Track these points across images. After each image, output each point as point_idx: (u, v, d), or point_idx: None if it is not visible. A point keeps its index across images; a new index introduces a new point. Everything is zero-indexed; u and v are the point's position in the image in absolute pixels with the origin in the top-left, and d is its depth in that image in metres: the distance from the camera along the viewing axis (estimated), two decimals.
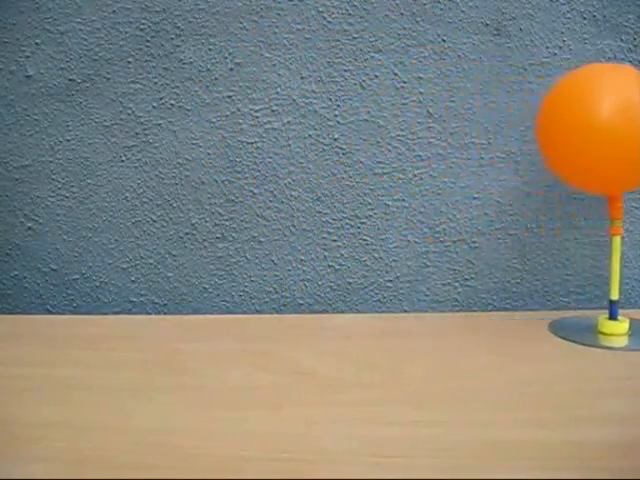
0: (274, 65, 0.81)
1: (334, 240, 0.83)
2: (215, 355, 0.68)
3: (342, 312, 0.84)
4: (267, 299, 0.84)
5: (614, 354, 0.67)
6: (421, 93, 0.81)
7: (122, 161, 0.83)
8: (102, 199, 0.84)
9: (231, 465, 0.47)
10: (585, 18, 0.80)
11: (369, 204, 0.83)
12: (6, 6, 0.81)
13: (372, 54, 0.81)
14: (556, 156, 0.69)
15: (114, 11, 0.81)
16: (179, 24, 0.81)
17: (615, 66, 0.70)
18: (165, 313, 0.84)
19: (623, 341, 0.71)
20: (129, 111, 0.82)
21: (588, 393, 0.57)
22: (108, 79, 0.82)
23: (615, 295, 0.73)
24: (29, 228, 0.84)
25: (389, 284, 0.84)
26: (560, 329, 0.74)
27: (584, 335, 0.72)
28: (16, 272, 0.85)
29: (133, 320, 0.81)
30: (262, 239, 0.83)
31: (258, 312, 0.84)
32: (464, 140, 0.82)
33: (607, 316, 0.73)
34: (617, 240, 0.72)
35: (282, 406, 0.56)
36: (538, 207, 0.82)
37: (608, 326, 0.72)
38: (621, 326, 0.72)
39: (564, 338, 0.71)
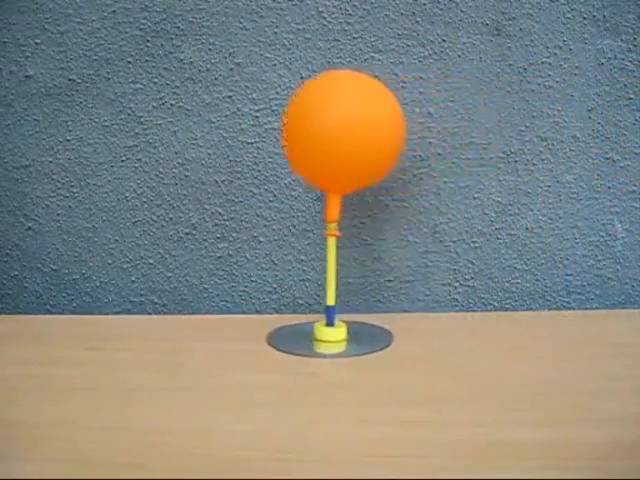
0: (274, 65, 0.81)
1: None
2: (215, 355, 0.68)
3: (342, 312, 0.84)
4: (267, 299, 0.84)
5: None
6: (421, 93, 0.81)
7: (122, 161, 0.83)
8: (102, 199, 0.84)
9: (231, 465, 0.47)
10: (585, 18, 0.80)
11: (369, 204, 0.83)
12: (6, 6, 0.81)
13: (372, 54, 0.81)
14: (294, 157, 0.70)
15: (114, 11, 0.81)
16: (179, 24, 0.81)
17: (347, 75, 0.72)
18: (165, 313, 0.84)
19: (341, 347, 0.70)
20: (129, 111, 0.82)
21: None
22: (108, 79, 0.82)
23: (331, 300, 0.71)
24: (29, 228, 0.84)
25: (389, 284, 0.84)
26: (276, 339, 0.71)
27: (301, 344, 0.70)
28: (16, 272, 0.85)
29: (133, 320, 0.81)
30: (262, 239, 0.83)
31: (258, 312, 0.84)
32: (464, 140, 0.82)
33: (324, 322, 0.71)
34: (332, 241, 0.71)
35: (282, 406, 0.56)
36: (538, 207, 0.83)
37: (324, 333, 0.70)
38: (338, 332, 0.70)
39: (279, 349, 0.68)
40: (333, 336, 0.71)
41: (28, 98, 0.82)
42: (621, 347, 0.68)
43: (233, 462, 0.48)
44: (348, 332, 0.71)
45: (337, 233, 0.71)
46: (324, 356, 0.68)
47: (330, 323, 0.71)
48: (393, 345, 0.69)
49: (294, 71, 0.81)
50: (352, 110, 0.67)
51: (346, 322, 0.72)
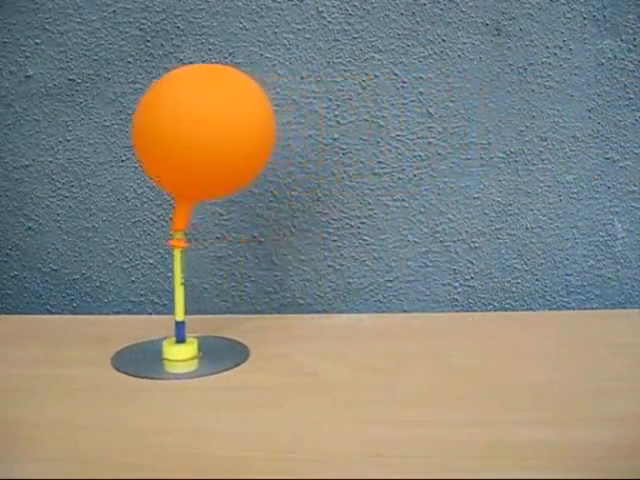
0: (274, 65, 0.81)
1: (334, 240, 0.83)
2: (215, 355, 0.67)
3: (342, 312, 0.84)
4: (267, 299, 0.84)
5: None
6: (421, 93, 0.81)
7: (122, 161, 0.83)
8: (102, 199, 0.84)
9: (231, 465, 0.47)
10: (585, 18, 0.80)
11: (369, 204, 0.83)
12: (6, 6, 0.81)
13: (372, 54, 0.81)
14: (143, 159, 0.64)
15: (114, 11, 0.81)
16: (179, 24, 0.81)
17: (201, 69, 0.66)
18: (165, 313, 0.84)
19: (192, 366, 0.64)
20: (129, 111, 0.82)
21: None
22: (108, 79, 0.82)
23: (180, 315, 0.66)
24: (29, 228, 0.84)
25: (389, 284, 0.84)
26: (122, 362, 0.65)
27: (149, 365, 0.64)
28: (16, 272, 0.85)
29: (133, 320, 0.81)
30: (262, 239, 0.83)
31: (258, 312, 0.84)
32: (464, 140, 0.82)
33: (174, 339, 0.66)
34: (177, 253, 0.65)
35: (282, 406, 0.56)
36: (538, 207, 0.83)
37: (173, 351, 0.65)
38: (188, 349, 0.65)
39: (125, 372, 0.63)
40: (182, 354, 0.65)
41: (28, 98, 0.82)
42: (621, 347, 0.68)
43: (233, 462, 0.48)
44: (200, 348, 0.67)
45: (183, 244, 0.65)
46: (173, 377, 0.63)
47: (180, 340, 0.66)
48: (250, 361, 0.66)
49: (294, 71, 0.81)
50: (203, 108, 0.60)
51: (199, 337, 0.68)
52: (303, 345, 0.70)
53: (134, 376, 0.62)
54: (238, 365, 0.64)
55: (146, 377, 0.62)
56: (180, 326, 0.66)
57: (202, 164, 0.60)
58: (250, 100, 0.63)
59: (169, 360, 0.65)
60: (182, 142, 0.60)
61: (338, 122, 0.82)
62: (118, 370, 0.63)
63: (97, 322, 0.79)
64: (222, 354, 0.67)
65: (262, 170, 0.66)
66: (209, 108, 0.60)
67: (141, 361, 0.65)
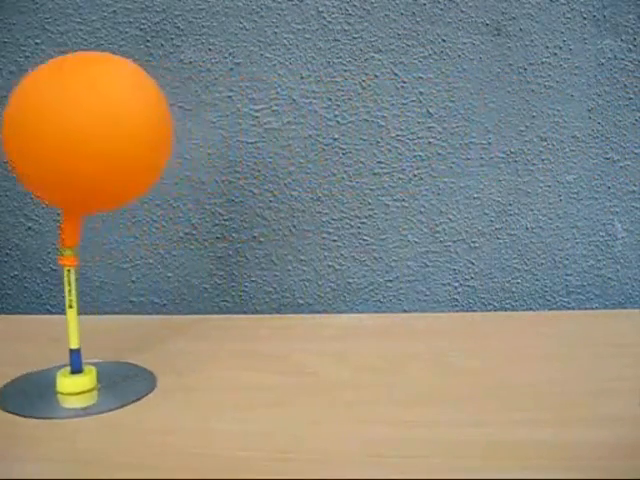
0: (274, 65, 0.81)
1: (334, 240, 0.83)
2: (215, 355, 0.68)
3: (342, 312, 0.84)
4: (267, 299, 0.84)
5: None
6: (421, 93, 0.81)
7: None
8: None
9: (231, 465, 0.47)
10: (585, 18, 0.80)
11: (369, 204, 0.83)
12: (6, 6, 0.81)
13: (372, 54, 0.81)
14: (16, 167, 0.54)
15: (114, 11, 0.81)
16: (179, 24, 0.81)
17: (94, 58, 0.57)
18: (165, 313, 0.84)
19: (90, 399, 0.56)
20: None
21: None
22: None
23: (75, 343, 0.57)
24: (29, 228, 0.84)
25: (389, 284, 0.84)
26: (10, 397, 0.57)
27: (40, 401, 0.56)
28: (16, 272, 0.85)
29: (133, 320, 0.81)
30: (262, 239, 0.83)
31: (258, 312, 0.84)
32: (464, 140, 0.82)
33: (69, 369, 0.58)
34: (70, 275, 0.57)
35: (282, 406, 0.56)
36: (538, 207, 0.83)
37: (66, 384, 0.57)
38: (84, 380, 0.57)
39: (10, 411, 0.55)
40: (78, 386, 0.57)
41: None
42: (621, 347, 0.68)
43: (233, 462, 0.48)
44: (99, 378, 0.59)
45: (73, 262, 0.57)
46: (68, 414, 0.54)
47: (76, 370, 0.58)
48: (157, 391, 0.59)
49: (294, 71, 0.81)
50: (84, 104, 0.51)
51: (97, 364, 0.60)
52: (303, 345, 0.70)
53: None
54: (139, 399, 0.57)
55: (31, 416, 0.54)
56: (75, 355, 0.58)
57: (79, 175, 0.52)
58: (142, 92, 0.56)
59: (64, 394, 0.57)
60: (57, 146, 0.51)
61: (338, 122, 0.82)
62: (5, 410, 0.55)
63: (97, 322, 0.79)
64: (123, 384, 0.60)
65: (158, 177, 0.58)
66: (89, 104, 0.51)
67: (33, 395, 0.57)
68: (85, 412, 0.55)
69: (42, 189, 0.54)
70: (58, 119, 0.51)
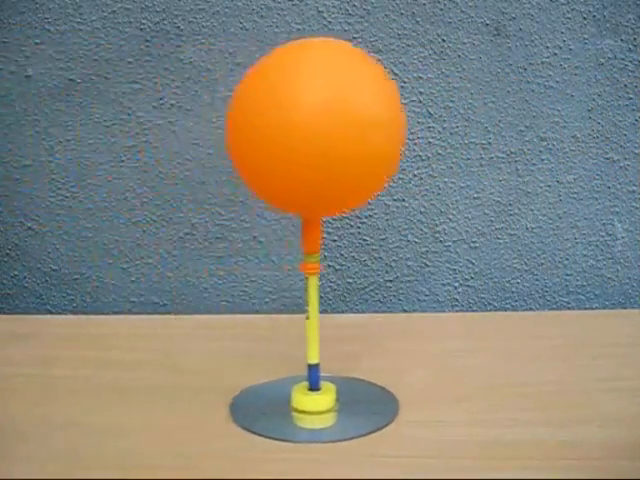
0: None
1: (334, 240, 0.83)
2: (215, 355, 0.68)
3: (342, 312, 0.84)
4: (267, 299, 0.84)
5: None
6: (421, 93, 0.81)
7: (122, 161, 0.83)
8: (102, 199, 0.84)
9: (231, 465, 0.47)
10: (585, 18, 0.80)
11: (369, 204, 0.83)
12: (6, 6, 0.81)
13: (372, 54, 0.81)
14: (242, 162, 0.50)
15: (114, 11, 0.81)
16: (179, 24, 0.81)
17: (327, 42, 0.51)
18: (165, 313, 0.84)
19: (327, 421, 0.52)
20: (129, 111, 0.82)
21: None
22: (108, 79, 0.82)
23: (314, 357, 0.53)
24: (29, 228, 0.84)
25: (389, 284, 0.84)
26: (241, 410, 0.54)
27: (271, 417, 0.52)
28: (16, 272, 0.85)
29: (133, 320, 0.81)
30: (262, 239, 0.83)
31: (258, 312, 0.84)
32: (464, 140, 0.82)
33: (306, 385, 0.54)
34: (314, 281, 0.53)
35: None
36: (538, 207, 0.83)
37: (304, 401, 0.52)
38: (323, 400, 0.53)
39: (243, 427, 0.51)
40: (316, 405, 0.53)
41: (28, 98, 0.82)
42: (621, 347, 0.68)
43: (233, 462, 0.48)
44: (337, 397, 0.54)
45: (317, 269, 0.53)
46: (303, 437, 0.50)
47: (314, 387, 0.53)
48: (399, 417, 0.53)
49: None
50: (339, 95, 0.46)
51: (333, 381, 0.55)
52: (303, 345, 0.70)
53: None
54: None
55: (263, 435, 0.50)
56: (314, 370, 0.53)
57: (329, 173, 0.46)
58: (385, 86, 0.49)
59: (299, 412, 0.53)
60: (303, 142, 0.46)
61: None
62: (236, 423, 0.52)
63: (97, 322, 0.79)
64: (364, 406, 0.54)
65: (395, 169, 0.52)
66: (343, 96, 0.46)
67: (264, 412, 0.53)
68: (325, 436, 0.50)
69: (277, 198, 0.50)
70: (293, 120, 0.46)
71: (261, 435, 0.50)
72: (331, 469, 0.47)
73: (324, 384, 0.54)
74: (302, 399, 0.53)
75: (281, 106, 0.46)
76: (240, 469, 0.46)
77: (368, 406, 0.54)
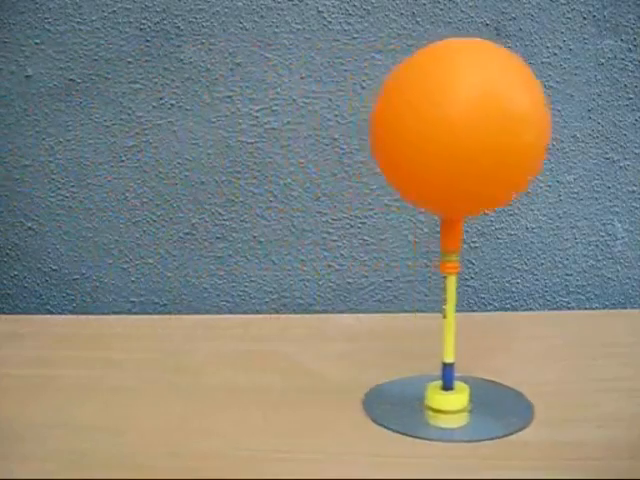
0: (274, 65, 0.81)
1: (334, 240, 0.83)
2: (215, 355, 0.68)
3: (342, 312, 0.84)
4: (267, 299, 0.84)
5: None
6: None
7: (122, 161, 0.83)
8: (102, 199, 0.84)
9: (231, 465, 0.47)
10: (585, 18, 0.80)
11: (369, 204, 0.83)
12: (6, 6, 0.81)
13: (372, 54, 0.81)
14: (387, 158, 0.50)
15: (114, 11, 0.81)
16: (179, 24, 0.81)
17: (475, 42, 0.53)
18: (165, 313, 0.84)
19: (460, 420, 0.52)
20: (129, 111, 0.82)
21: None
22: (108, 79, 0.82)
23: (450, 356, 0.53)
24: (29, 228, 0.84)
25: (389, 284, 0.84)
26: (375, 407, 0.54)
27: (405, 415, 0.53)
28: (16, 272, 0.85)
29: (133, 320, 0.81)
30: (262, 239, 0.83)
31: (258, 312, 0.84)
32: None
33: (439, 384, 0.54)
34: (452, 281, 0.52)
35: (282, 406, 0.56)
36: (538, 207, 0.83)
37: (439, 400, 0.53)
38: (457, 399, 0.53)
39: (377, 422, 0.52)
40: (450, 404, 0.53)
41: (28, 98, 0.82)
42: (621, 347, 0.68)
43: (233, 462, 0.48)
44: (470, 398, 0.54)
45: (457, 268, 0.52)
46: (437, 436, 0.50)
47: (447, 386, 0.53)
48: (534, 424, 0.52)
49: (294, 71, 0.81)
50: (493, 91, 0.47)
51: (466, 381, 0.55)
52: (303, 345, 0.70)
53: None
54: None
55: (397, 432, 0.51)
56: (448, 370, 0.53)
57: (488, 168, 0.46)
58: (534, 83, 0.51)
59: (433, 410, 0.53)
60: (464, 138, 0.45)
61: (338, 122, 0.82)
62: (370, 419, 0.53)
63: (97, 322, 0.79)
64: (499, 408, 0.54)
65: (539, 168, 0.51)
66: (501, 93, 0.47)
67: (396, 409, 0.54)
68: (445, 440, 0.50)
69: (424, 196, 0.49)
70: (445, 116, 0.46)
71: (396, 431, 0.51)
72: (331, 469, 0.47)
73: (458, 383, 0.54)
74: (435, 397, 0.53)
75: (436, 102, 0.46)
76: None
77: (501, 408, 0.54)
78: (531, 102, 0.48)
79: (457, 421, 0.52)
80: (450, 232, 0.51)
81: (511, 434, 0.50)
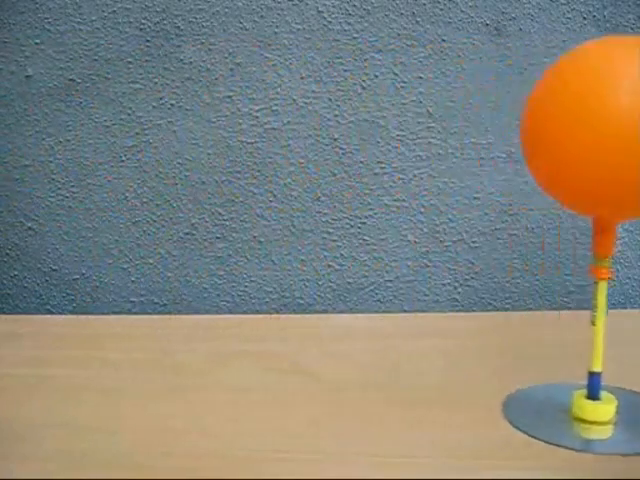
0: (274, 65, 0.81)
1: (334, 240, 0.83)
2: (215, 355, 0.68)
3: (342, 312, 0.84)
4: (267, 299, 0.84)
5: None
6: (421, 93, 0.81)
7: (122, 161, 0.83)
8: (102, 199, 0.84)
9: (231, 465, 0.47)
10: (585, 18, 0.80)
11: (369, 204, 0.83)
12: (6, 6, 0.81)
13: (372, 54, 0.81)
14: (541, 160, 0.48)
15: (114, 11, 0.81)
16: (179, 24, 0.81)
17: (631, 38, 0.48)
18: (165, 313, 0.84)
19: (606, 432, 0.51)
20: (129, 111, 0.82)
21: None
22: (108, 79, 0.82)
23: (598, 365, 0.52)
24: (29, 228, 0.84)
25: (389, 284, 0.84)
26: (517, 412, 0.53)
27: (550, 422, 0.52)
28: (16, 272, 0.85)
29: (133, 320, 0.81)
30: (262, 239, 0.83)
31: (258, 312, 0.84)
32: (464, 140, 0.82)
33: (584, 392, 0.52)
34: (603, 287, 0.51)
35: (282, 406, 0.56)
36: (538, 207, 0.82)
37: (587, 410, 0.51)
38: (605, 410, 0.51)
39: (520, 429, 0.51)
40: (598, 415, 0.51)
41: (28, 98, 0.82)
42: (621, 347, 0.68)
43: (233, 462, 0.48)
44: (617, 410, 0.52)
45: (608, 274, 0.51)
46: (584, 446, 0.49)
47: (594, 396, 0.52)
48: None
49: (294, 71, 0.81)
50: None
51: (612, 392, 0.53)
52: (303, 345, 0.70)
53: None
54: None
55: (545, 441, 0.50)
56: (595, 379, 0.52)
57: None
58: None
59: (580, 420, 0.52)
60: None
61: (338, 122, 0.82)
62: (512, 425, 0.52)
63: (97, 322, 0.79)
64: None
65: None
66: None
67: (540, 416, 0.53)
68: (596, 452, 0.49)
69: (584, 198, 0.47)
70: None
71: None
72: (331, 469, 0.47)
73: (605, 394, 0.53)
74: (583, 406, 0.52)
75: (601, 94, 0.44)
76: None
77: None
78: None
79: (601, 433, 0.51)
80: (604, 237, 0.49)
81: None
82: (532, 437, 0.50)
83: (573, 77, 0.46)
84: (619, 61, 0.45)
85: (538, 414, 0.53)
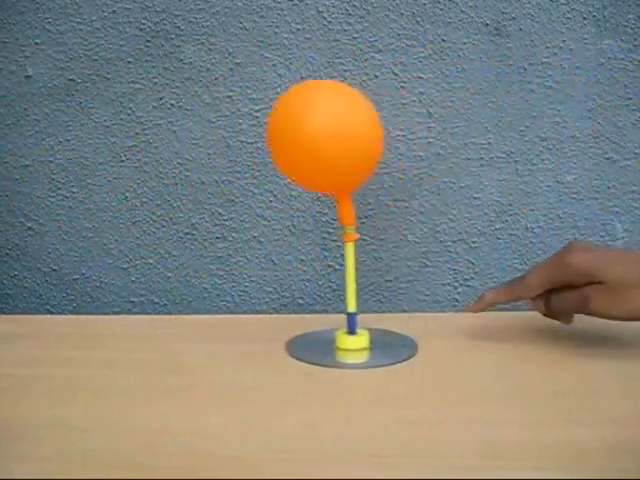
0: (274, 65, 0.81)
1: (334, 240, 0.83)
2: (215, 355, 0.68)
3: (342, 312, 0.84)
4: (267, 299, 0.84)
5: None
6: (421, 93, 0.81)
7: (122, 161, 0.83)
8: (102, 199, 0.84)
9: (231, 465, 0.47)
10: (585, 18, 0.80)
11: (369, 204, 0.83)
12: (6, 6, 0.81)
13: (372, 54, 0.81)
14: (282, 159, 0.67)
15: (114, 11, 0.81)
16: (179, 24, 0.81)
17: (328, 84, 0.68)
18: (165, 313, 0.84)
19: (362, 357, 0.67)
20: (129, 111, 0.82)
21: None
22: (108, 79, 0.82)
23: (352, 307, 0.68)
24: (29, 228, 0.84)
25: (389, 284, 0.84)
26: (297, 348, 0.69)
27: (321, 354, 0.67)
28: (16, 272, 0.85)
29: (133, 320, 0.81)
30: (262, 239, 0.83)
31: (258, 312, 0.84)
32: (464, 140, 0.82)
33: (345, 330, 0.69)
34: (350, 247, 0.68)
35: (282, 406, 0.56)
36: (538, 207, 0.83)
37: (346, 341, 0.68)
38: (359, 340, 0.68)
39: (299, 359, 0.66)
40: (354, 344, 0.68)
41: (28, 98, 0.82)
42: (621, 347, 0.68)
43: (233, 462, 0.48)
44: (370, 340, 0.69)
45: (355, 236, 0.68)
46: (346, 366, 0.66)
47: (351, 331, 0.69)
48: (418, 356, 0.67)
49: (294, 71, 0.81)
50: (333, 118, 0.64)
51: (368, 329, 0.70)
52: (308, 345, 0.70)
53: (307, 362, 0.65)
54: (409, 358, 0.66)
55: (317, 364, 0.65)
56: (352, 318, 0.68)
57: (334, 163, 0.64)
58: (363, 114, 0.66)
59: (342, 350, 0.68)
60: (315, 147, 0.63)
61: None
62: (292, 356, 0.67)
63: (97, 322, 0.79)
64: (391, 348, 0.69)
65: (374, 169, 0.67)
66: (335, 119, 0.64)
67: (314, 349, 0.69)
68: (355, 366, 0.65)
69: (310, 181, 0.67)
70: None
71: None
72: (330, 469, 0.47)
73: (360, 330, 0.69)
74: (342, 339, 0.68)
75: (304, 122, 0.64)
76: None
77: (392, 349, 0.69)
78: (365, 123, 0.64)
79: (358, 358, 0.67)
80: (342, 207, 0.67)
81: (395, 363, 0.65)
82: (311, 364, 0.64)
83: (282, 107, 0.66)
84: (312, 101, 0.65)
85: (314, 349, 0.69)
